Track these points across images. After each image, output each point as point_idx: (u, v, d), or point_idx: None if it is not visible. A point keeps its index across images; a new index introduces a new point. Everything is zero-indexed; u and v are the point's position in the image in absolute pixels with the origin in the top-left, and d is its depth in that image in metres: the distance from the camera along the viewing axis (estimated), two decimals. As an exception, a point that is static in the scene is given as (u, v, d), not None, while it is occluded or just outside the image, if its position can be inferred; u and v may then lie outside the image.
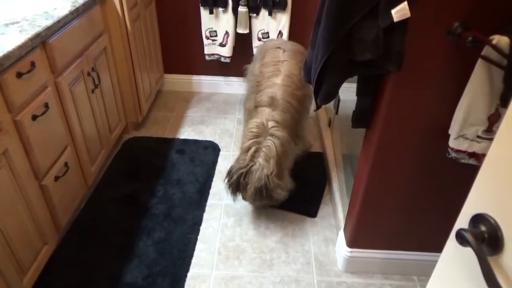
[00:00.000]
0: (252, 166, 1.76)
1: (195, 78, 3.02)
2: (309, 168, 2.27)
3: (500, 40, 0.99)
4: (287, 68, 2.06)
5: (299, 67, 2.07)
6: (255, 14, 2.62)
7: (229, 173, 1.81)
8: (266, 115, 1.87)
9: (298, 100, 1.98)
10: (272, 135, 1.81)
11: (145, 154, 2.36)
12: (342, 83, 1.30)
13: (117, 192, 2.08)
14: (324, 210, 2.05)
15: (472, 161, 1.23)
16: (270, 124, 1.84)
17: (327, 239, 1.88)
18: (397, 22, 1.06)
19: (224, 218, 1.97)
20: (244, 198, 1.87)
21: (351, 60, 1.20)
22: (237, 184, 1.79)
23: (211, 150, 2.42)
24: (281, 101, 1.91)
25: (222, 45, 2.75)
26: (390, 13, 1.05)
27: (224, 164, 2.32)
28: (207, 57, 2.83)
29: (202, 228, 1.91)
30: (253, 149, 1.78)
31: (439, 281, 0.78)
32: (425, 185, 1.44)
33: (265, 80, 2.03)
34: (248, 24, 2.65)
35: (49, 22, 1.52)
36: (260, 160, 1.76)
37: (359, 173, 1.54)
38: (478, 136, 1.16)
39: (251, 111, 2.01)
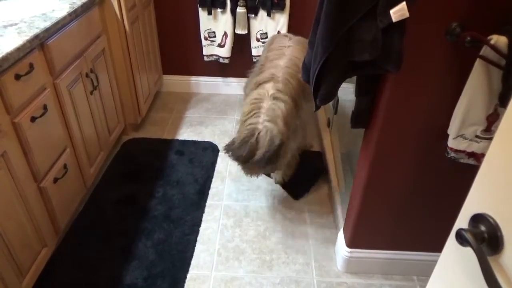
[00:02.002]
0: (259, 133, 1.60)
1: (194, 79, 3.01)
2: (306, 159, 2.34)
3: (498, 40, 0.99)
4: (291, 52, 2.04)
5: (304, 52, 2.05)
6: (253, 15, 2.62)
7: (230, 149, 1.66)
8: (267, 87, 1.76)
9: (299, 83, 1.90)
10: (275, 98, 1.67)
11: (144, 155, 2.36)
12: (341, 83, 1.30)
13: (116, 193, 2.08)
14: (323, 210, 2.05)
15: (471, 161, 1.23)
16: (272, 91, 1.69)
17: (326, 240, 1.88)
18: (395, 22, 1.06)
19: (223, 219, 1.97)
20: (250, 164, 1.67)
21: (350, 60, 1.20)
22: (245, 157, 1.62)
23: (210, 151, 2.42)
24: (281, 78, 1.85)
25: (220, 46, 2.75)
26: (389, 14, 1.05)
27: (223, 165, 2.32)
28: (205, 58, 2.83)
29: (201, 229, 1.91)
30: (253, 112, 1.62)
31: (439, 281, 0.78)
32: (425, 185, 1.44)
33: (268, 63, 2.01)
34: (247, 24, 2.65)
35: (47, 24, 1.52)
36: (267, 123, 1.59)
37: (358, 173, 1.54)
38: (477, 136, 1.16)
39: (251, 90, 1.89)
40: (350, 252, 1.67)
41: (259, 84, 1.88)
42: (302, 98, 1.95)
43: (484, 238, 0.61)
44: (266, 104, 1.68)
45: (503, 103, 1.08)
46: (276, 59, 2.02)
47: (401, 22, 1.07)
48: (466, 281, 0.68)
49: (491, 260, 0.60)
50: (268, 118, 1.62)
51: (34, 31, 1.44)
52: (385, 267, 1.70)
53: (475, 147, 1.19)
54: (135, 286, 1.62)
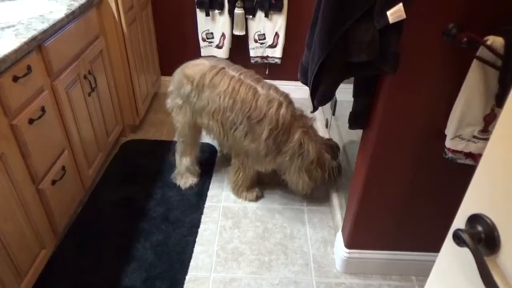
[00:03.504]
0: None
1: (192, 80, 3.01)
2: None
3: (494, 40, 1.00)
4: (252, 77, 1.84)
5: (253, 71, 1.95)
6: (251, 16, 2.62)
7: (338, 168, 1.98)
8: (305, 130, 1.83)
9: None
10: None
11: (143, 156, 2.36)
12: (338, 84, 1.31)
13: (115, 195, 2.08)
14: (322, 211, 2.05)
15: (468, 161, 1.24)
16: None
17: (325, 241, 1.88)
18: (392, 23, 1.07)
19: (222, 220, 1.97)
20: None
21: (347, 61, 1.21)
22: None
23: (208, 152, 2.42)
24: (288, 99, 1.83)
25: (218, 47, 2.75)
26: (386, 15, 1.06)
27: (221, 166, 2.32)
28: (203, 59, 2.83)
29: (200, 230, 1.91)
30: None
31: (437, 281, 0.78)
32: (422, 186, 1.44)
33: (255, 110, 1.76)
34: (245, 26, 2.66)
35: (45, 26, 1.52)
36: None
37: (356, 174, 1.55)
38: (474, 136, 1.17)
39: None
40: (349, 252, 1.67)
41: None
42: None
43: (481, 238, 0.61)
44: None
45: (499, 104, 1.08)
46: (256, 96, 1.77)
47: (398, 23, 1.07)
48: (463, 281, 0.68)
49: (488, 260, 0.60)
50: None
51: (32, 33, 1.44)
52: (384, 267, 1.70)
53: (472, 147, 1.19)
54: (133, 288, 1.62)
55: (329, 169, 1.91)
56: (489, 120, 1.13)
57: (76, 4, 1.77)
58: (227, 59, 2.76)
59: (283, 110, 1.77)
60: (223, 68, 1.85)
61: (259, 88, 1.80)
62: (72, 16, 1.71)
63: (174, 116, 2.00)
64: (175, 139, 2.09)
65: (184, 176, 2.14)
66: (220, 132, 1.88)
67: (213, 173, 2.26)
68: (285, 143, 1.81)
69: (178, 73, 1.93)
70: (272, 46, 2.75)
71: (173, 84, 1.96)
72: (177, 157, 2.12)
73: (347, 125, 1.46)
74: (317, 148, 1.85)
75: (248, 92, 1.77)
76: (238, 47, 2.81)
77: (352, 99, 1.40)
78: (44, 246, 1.59)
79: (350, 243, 1.65)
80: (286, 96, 1.84)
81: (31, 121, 1.44)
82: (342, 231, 1.73)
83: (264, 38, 2.72)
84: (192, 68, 1.88)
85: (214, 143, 2.49)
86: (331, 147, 1.95)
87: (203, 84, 1.82)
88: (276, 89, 1.85)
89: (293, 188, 1.98)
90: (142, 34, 2.46)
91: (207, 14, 2.62)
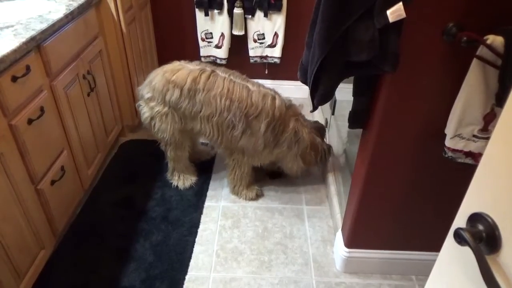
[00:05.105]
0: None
1: (191, 80, 3.01)
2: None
3: (494, 39, 1.00)
4: (240, 77, 1.87)
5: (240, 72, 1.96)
6: (250, 16, 2.62)
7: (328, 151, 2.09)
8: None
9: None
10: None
11: (142, 156, 2.36)
12: (338, 83, 1.30)
13: (114, 195, 2.08)
14: (321, 210, 2.05)
15: (468, 160, 1.24)
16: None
17: (325, 240, 1.88)
18: (392, 22, 1.06)
19: (222, 220, 1.97)
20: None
21: (347, 60, 1.20)
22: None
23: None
24: (278, 96, 1.89)
25: (217, 47, 2.75)
26: (386, 14, 1.06)
27: (221, 166, 2.32)
28: (203, 59, 2.83)
29: (199, 230, 1.91)
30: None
31: (437, 280, 0.78)
32: (423, 185, 1.44)
33: (252, 107, 1.79)
34: (244, 25, 2.66)
35: (43, 26, 1.51)
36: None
37: (356, 173, 1.55)
38: (474, 136, 1.17)
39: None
40: (349, 252, 1.67)
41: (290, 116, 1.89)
42: None
43: (482, 237, 0.61)
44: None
45: (499, 103, 1.08)
46: (251, 95, 1.80)
47: (398, 23, 1.07)
48: (464, 280, 0.68)
49: (489, 259, 0.60)
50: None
51: (31, 33, 1.44)
52: (384, 267, 1.70)
53: (472, 146, 1.19)
54: (133, 288, 1.62)
55: (321, 151, 2.02)
56: (489, 119, 1.13)
57: (75, 4, 1.76)
58: (226, 59, 2.79)
59: (277, 102, 1.83)
60: (213, 70, 1.84)
61: (250, 86, 1.84)
62: (71, 16, 1.71)
63: (157, 125, 1.90)
64: (162, 147, 2.06)
65: (181, 176, 2.14)
66: (214, 134, 1.87)
67: (212, 173, 2.26)
68: (282, 133, 1.87)
69: (158, 79, 1.83)
70: (272, 45, 2.75)
71: (153, 91, 1.84)
72: (170, 162, 2.10)
73: (347, 124, 1.46)
74: (309, 133, 1.95)
75: (242, 90, 1.80)
76: (237, 47, 2.81)
77: (351, 98, 1.40)
78: (43, 247, 1.58)
79: (350, 243, 1.65)
80: (275, 90, 1.92)
81: (30, 121, 1.44)
82: (342, 230, 1.73)
83: (264, 38, 2.71)
84: (175, 73, 1.81)
85: (214, 143, 2.49)
86: (319, 129, 2.08)
87: (196, 89, 1.78)
88: (263, 85, 1.91)
89: (287, 173, 2.10)
90: (141, 34, 2.46)
91: (206, 14, 2.62)
